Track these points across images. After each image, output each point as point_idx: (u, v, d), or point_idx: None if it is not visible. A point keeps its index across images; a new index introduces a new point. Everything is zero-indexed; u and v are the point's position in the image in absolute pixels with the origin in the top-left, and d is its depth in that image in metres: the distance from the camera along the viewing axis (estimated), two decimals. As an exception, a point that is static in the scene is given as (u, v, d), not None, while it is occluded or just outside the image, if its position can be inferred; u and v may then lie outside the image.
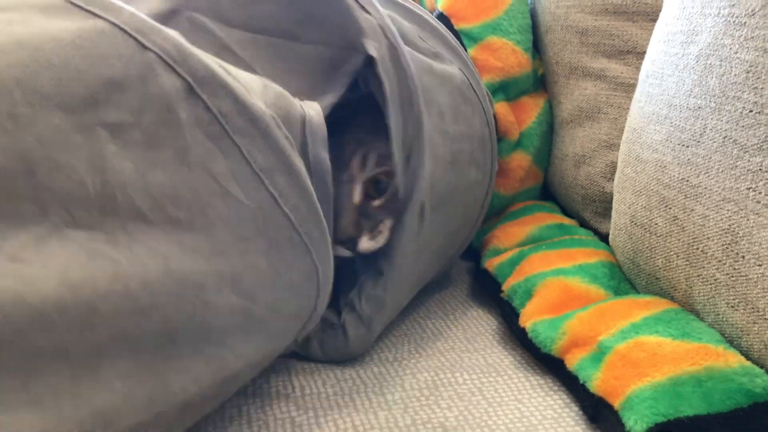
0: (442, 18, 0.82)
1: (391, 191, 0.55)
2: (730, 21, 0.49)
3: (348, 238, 0.53)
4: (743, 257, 0.47)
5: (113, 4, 0.37)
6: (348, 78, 0.50)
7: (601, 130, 0.78)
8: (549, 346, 0.55)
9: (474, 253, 0.79)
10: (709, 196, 0.50)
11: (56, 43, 0.33)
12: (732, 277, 0.48)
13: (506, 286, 0.64)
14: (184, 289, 0.35)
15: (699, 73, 0.52)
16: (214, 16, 0.49)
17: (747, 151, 0.47)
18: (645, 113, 0.60)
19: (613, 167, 0.75)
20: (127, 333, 0.32)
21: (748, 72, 0.47)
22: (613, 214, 0.66)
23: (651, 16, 0.74)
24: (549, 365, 0.55)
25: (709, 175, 0.50)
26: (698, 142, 0.52)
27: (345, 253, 0.54)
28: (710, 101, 0.51)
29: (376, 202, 0.55)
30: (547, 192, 0.88)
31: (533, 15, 0.88)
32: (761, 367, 0.46)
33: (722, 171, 0.49)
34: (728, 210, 0.48)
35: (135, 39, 0.36)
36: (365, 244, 0.54)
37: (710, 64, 0.51)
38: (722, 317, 0.50)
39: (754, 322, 0.47)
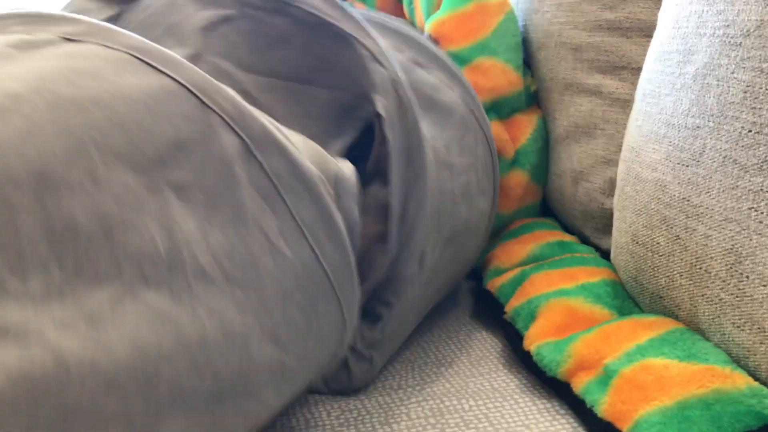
0: (430, 41, 0.83)
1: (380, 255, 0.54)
2: (725, 41, 0.49)
3: None
4: (747, 277, 0.47)
5: (174, 58, 0.38)
6: (360, 123, 0.52)
7: (598, 146, 0.78)
8: (554, 370, 0.54)
9: (475, 272, 0.79)
10: (711, 216, 0.50)
11: (127, 101, 0.34)
12: (737, 297, 0.48)
13: (509, 308, 0.64)
14: (234, 345, 0.36)
15: (696, 93, 0.52)
16: (233, 61, 0.51)
17: (747, 171, 0.47)
18: (643, 132, 0.60)
19: (611, 183, 0.75)
20: (183, 392, 0.33)
21: (745, 92, 0.47)
22: (614, 232, 0.66)
23: (645, 32, 0.74)
24: (555, 389, 0.55)
25: (710, 195, 0.50)
26: (698, 161, 0.52)
27: None
28: (709, 121, 0.51)
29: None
30: (547, 208, 0.88)
31: (525, 32, 0.88)
32: (769, 387, 0.45)
33: (723, 191, 0.49)
34: (731, 230, 0.48)
35: (197, 97, 0.37)
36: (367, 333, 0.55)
37: (707, 83, 0.51)
38: (728, 337, 0.49)
39: (761, 343, 0.46)
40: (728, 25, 0.49)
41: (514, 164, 0.83)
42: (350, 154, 0.52)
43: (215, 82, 0.39)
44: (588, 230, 0.78)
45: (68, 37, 0.37)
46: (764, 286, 0.46)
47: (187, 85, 0.37)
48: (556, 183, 0.84)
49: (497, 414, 0.52)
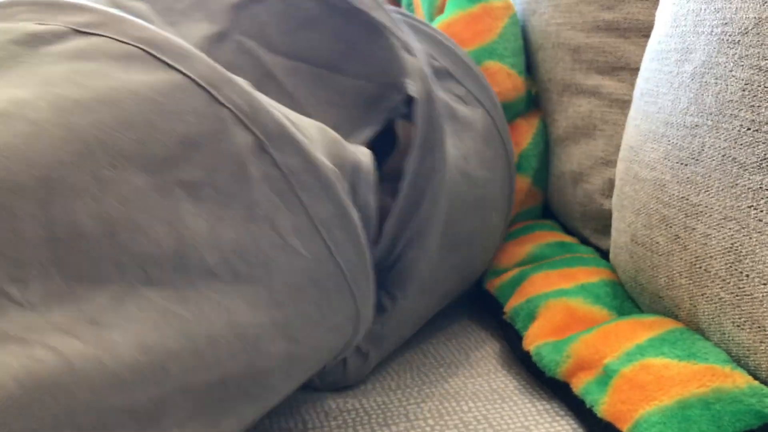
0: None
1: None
2: (723, 39, 0.49)
3: None
4: (747, 276, 0.47)
5: (186, 50, 0.37)
6: (386, 114, 0.51)
7: (597, 147, 0.78)
8: (554, 370, 0.54)
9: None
10: (711, 215, 0.50)
11: (135, 99, 0.33)
12: (737, 296, 0.48)
13: (508, 308, 0.64)
14: (244, 341, 0.36)
15: (695, 92, 0.52)
16: (261, 41, 0.50)
17: (746, 170, 0.47)
18: (641, 131, 0.60)
19: (610, 184, 0.75)
20: (190, 386, 0.33)
21: (744, 90, 0.47)
22: (613, 232, 0.66)
23: (643, 32, 0.74)
24: (554, 389, 0.55)
25: (709, 194, 0.50)
26: (697, 160, 0.51)
27: None
28: (707, 119, 0.50)
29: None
30: (547, 210, 0.88)
31: (523, 33, 0.88)
32: (770, 386, 0.45)
33: (722, 189, 0.49)
34: (730, 228, 0.48)
35: (209, 93, 0.36)
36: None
37: (706, 82, 0.51)
38: (728, 336, 0.49)
39: (761, 341, 0.46)
40: (726, 23, 0.49)
41: (517, 170, 0.82)
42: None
43: (228, 75, 0.38)
44: (587, 231, 0.78)
45: (79, 28, 0.36)
46: (764, 284, 0.45)
47: (198, 80, 0.36)
48: (555, 184, 0.84)
49: (497, 415, 0.52)
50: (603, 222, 0.76)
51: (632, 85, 0.72)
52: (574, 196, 0.79)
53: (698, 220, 0.51)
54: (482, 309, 0.71)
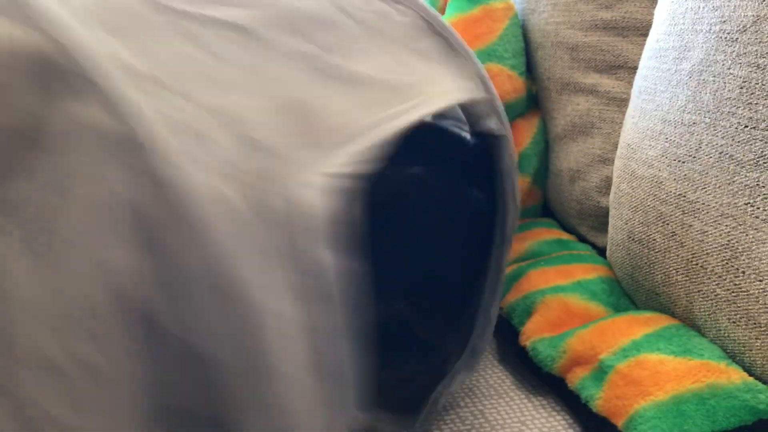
0: None
1: None
2: (721, 37, 0.49)
3: None
4: (743, 273, 0.47)
5: None
6: None
7: (594, 145, 0.78)
8: (550, 365, 0.54)
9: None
10: (707, 212, 0.50)
11: None
12: (733, 292, 0.48)
13: (505, 304, 0.64)
14: None
15: (692, 89, 0.52)
16: None
17: (744, 167, 0.47)
18: (639, 129, 0.60)
19: (607, 182, 0.75)
20: None
21: (741, 88, 0.47)
22: (610, 229, 0.66)
23: (641, 30, 0.74)
24: (550, 384, 0.55)
25: (706, 191, 0.50)
26: (694, 157, 0.52)
27: None
28: (705, 117, 0.51)
29: None
30: (546, 208, 0.88)
31: (522, 32, 0.88)
32: (764, 382, 0.45)
33: (719, 186, 0.49)
34: (727, 225, 0.48)
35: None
36: None
37: (703, 80, 0.51)
38: (724, 333, 0.49)
39: (756, 338, 0.46)
40: (724, 21, 0.49)
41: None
42: None
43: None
44: (584, 228, 0.79)
45: None
46: (760, 281, 0.46)
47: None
48: (553, 182, 0.84)
49: (493, 411, 0.52)
50: (600, 219, 0.76)
51: (630, 83, 0.73)
52: (572, 193, 0.80)
53: (695, 217, 0.51)
54: (479, 305, 0.71)
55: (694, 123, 0.52)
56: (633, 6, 0.75)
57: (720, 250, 0.49)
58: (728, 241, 0.48)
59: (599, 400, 0.49)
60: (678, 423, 0.44)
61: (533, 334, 0.58)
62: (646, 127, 0.59)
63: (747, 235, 0.47)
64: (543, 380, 0.55)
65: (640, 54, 0.66)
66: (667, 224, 0.55)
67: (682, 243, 0.53)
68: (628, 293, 0.62)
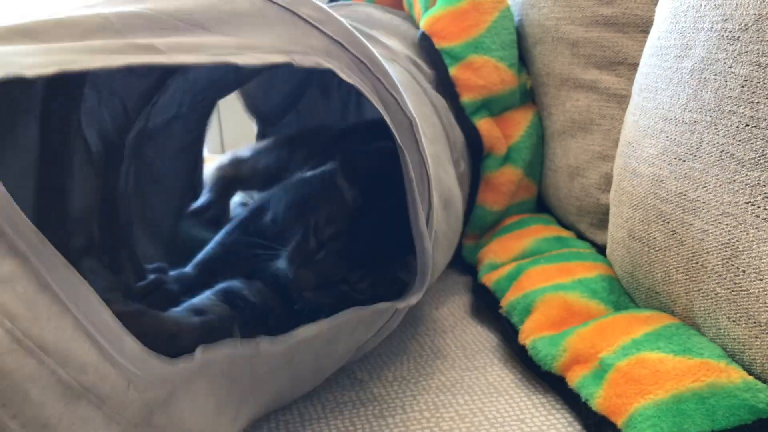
0: (424, 37, 0.83)
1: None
2: (723, 36, 0.49)
3: None
4: (744, 271, 0.47)
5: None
6: None
7: (594, 142, 0.78)
8: (549, 364, 0.54)
9: (471, 268, 0.78)
10: (708, 211, 0.50)
11: None
12: (733, 291, 0.48)
13: (504, 302, 0.64)
14: None
15: (693, 88, 0.52)
16: None
17: (744, 166, 0.47)
18: (640, 127, 0.60)
19: (607, 179, 0.75)
20: None
21: (743, 86, 0.47)
22: (610, 227, 0.66)
23: (642, 27, 0.74)
24: (550, 383, 0.55)
25: (706, 190, 0.50)
26: (695, 156, 0.51)
27: None
28: (706, 115, 0.50)
29: None
30: (542, 204, 0.88)
31: (520, 28, 0.88)
32: (764, 382, 0.45)
33: (720, 185, 0.49)
34: (727, 224, 0.48)
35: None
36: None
37: (705, 78, 0.51)
38: (723, 332, 0.49)
39: (756, 337, 0.46)
40: (726, 20, 0.49)
41: (506, 160, 0.82)
42: None
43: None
44: (583, 225, 0.78)
45: None
46: (760, 280, 0.46)
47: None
48: (551, 178, 0.84)
49: (492, 408, 0.52)
50: (599, 216, 0.76)
51: (630, 80, 0.72)
52: (571, 190, 0.80)
53: (695, 216, 0.51)
54: (479, 303, 0.71)
55: (695, 121, 0.52)
56: (634, 2, 0.75)
57: (720, 248, 0.49)
58: (728, 239, 0.48)
59: (599, 398, 0.49)
60: (677, 422, 0.44)
61: (533, 332, 0.58)
62: (646, 125, 0.59)
63: (747, 233, 0.47)
64: (543, 378, 0.55)
65: (641, 50, 0.65)
66: (668, 222, 0.55)
67: (682, 241, 0.53)
68: (628, 291, 0.62)
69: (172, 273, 0.61)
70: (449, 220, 0.65)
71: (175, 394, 0.37)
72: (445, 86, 0.80)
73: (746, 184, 0.47)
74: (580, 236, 0.78)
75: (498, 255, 0.73)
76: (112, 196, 0.62)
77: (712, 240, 0.50)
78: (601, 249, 0.72)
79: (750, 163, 0.46)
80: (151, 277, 0.59)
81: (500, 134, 0.81)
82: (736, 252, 0.48)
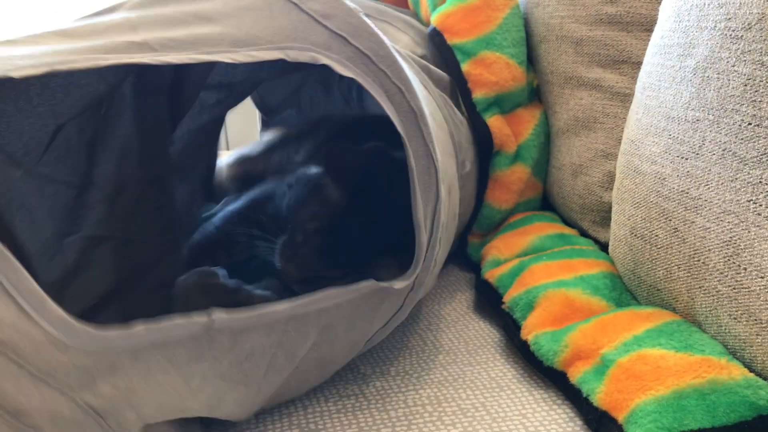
0: (436, 33, 0.82)
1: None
2: (726, 34, 0.49)
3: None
4: (745, 269, 0.47)
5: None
6: None
7: (597, 140, 0.78)
8: (551, 359, 0.55)
9: (474, 264, 0.79)
10: (710, 209, 0.50)
11: None
12: (734, 289, 0.48)
13: (507, 298, 0.64)
14: None
15: (696, 86, 0.52)
16: None
17: (747, 164, 0.47)
18: (643, 125, 0.60)
19: (610, 177, 0.75)
20: None
21: (746, 85, 0.47)
22: (613, 225, 0.66)
23: (645, 26, 0.74)
24: (551, 378, 0.55)
25: (709, 188, 0.51)
26: (697, 154, 0.52)
27: None
28: (708, 114, 0.51)
29: None
30: (547, 202, 0.88)
31: (525, 26, 0.88)
32: (765, 379, 0.46)
33: (722, 183, 0.49)
34: (729, 222, 0.49)
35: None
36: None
37: (708, 76, 0.51)
38: (725, 329, 0.50)
39: (757, 334, 0.47)
40: (730, 19, 0.49)
41: (516, 159, 0.82)
42: None
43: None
44: (586, 223, 0.79)
45: None
46: (762, 277, 0.46)
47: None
48: (555, 176, 0.84)
49: (494, 403, 0.53)
50: (601, 214, 0.76)
51: (633, 78, 0.73)
52: (574, 188, 0.80)
53: (697, 214, 0.52)
54: (481, 298, 0.71)
55: (697, 120, 0.52)
56: (638, 1, 0.75)
57: (722, 246, 0.49)
58: (730, 237, 0.48)
59: (600, 393, 0.49)
60: (678, 417, 0.44)
61: (535, 328, 0.58)
62: (649, 123, 0.59)
63: (749, 232, 0.47)
64: (544, 374, 0.56)
65: (644, 49, 0.66)
66: (670, 220, 0.55)
67: (684, 239, 0.53)
68: (629, 288, 0.63)
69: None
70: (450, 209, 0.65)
71: (119, 365, 0.38)
72: (458, 82, 0.80)
73: (748, 183, 0.47)
74: (583, 234, 0.78)
75: (501, 251, 0.73)
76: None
77: (714, 238, 0.50)
78: (603, 246, 0.72)
79: (752, 162, 0.47)
80: None
81: (510, 132, 0.81)
82: (737, 250, 0.48)
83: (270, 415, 0.51)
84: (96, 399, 0.38)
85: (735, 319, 0.48)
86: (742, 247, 0.47)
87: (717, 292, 0.50)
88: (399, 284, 0.50)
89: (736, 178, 0.48)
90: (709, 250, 0.50)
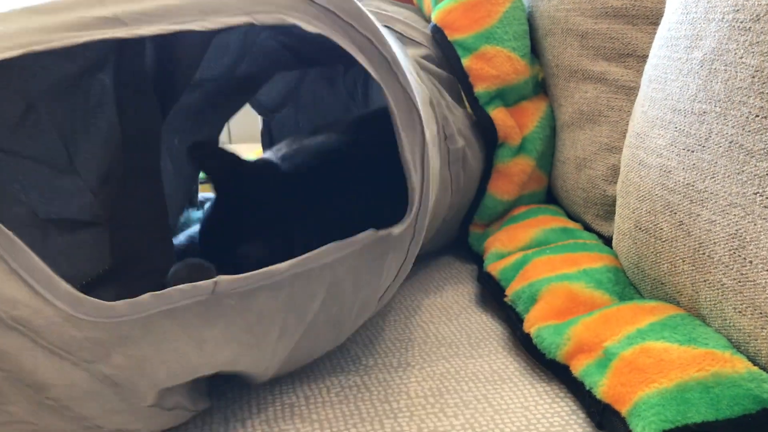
0: (436, 30, 0.83)
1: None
2: (734, 26, 0.49)
3: None
4: (751, 262, 0.47)
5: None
6: None
7: (602, 133, 0.78)
8: (554, 352, 0.54)
9: (477, 256, 0.79)
10: (716, 201, 0.50)
11: None
12: (739, 282, 0.48)
13: (510, 291, 0.64)
14: None
15: (703, 78, 0.52)
16: None
17: (753, 156, 0.47)
18: (648, 118, 0.60)
19: (614, 170, 0.75)
20: None
21: (753, 77, 0.47)
22: (617, 218, 0.66)
23: (651, 19, 0.74)
24: (554, 371, 0.55)
25: (715, 180, 0.50)
26: (703, 147, 0.51)
27: None
28: (715, 106, 0.50)
29: None
30: (551, 195, 0.88)
31: (530, 19, 0.87)
32: (769, 372, 0.46)
33: (728, 176, 0.49)
34: (735, 215, 0.48)
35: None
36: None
37: (715, 69, 0.51)
38: (729, 322, 0.49)
39: (761, 328, 0.46)
40: (738, 10, 0.49)
41: (520, 151, 0.82)
42: None
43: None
44: (589, 217, 0.78)
45: None
46: (767, 270, 0.46)
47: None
48: (559, 169, 0.84)
49: (496, 396, 0.53)
50: (605, 208, 0.76)
51: (639, 72, 0.72)
52: (578, 181, 0.80)
53: (703, 207, 0.51)
54: (484, 291, 0.71)
55: (704, 112, 0.52)
56: (644, -6, 0.74)
57: (727, 239, 0.49)
58: (736, 230, 0.48)
59: (603, 386, 0.49)
60: (682, 410, 0.44)
61: (538, 321, 0.58)
62: (655, 116, 0.59)
63: (755, 224, 0.47)
64: (547, 367, 0.56)
65: (650, 42, 0.65)
66: (675, 213, 0.55)
67: (689, 232, 0.53)
68: (633, 282, 0.63)
69: None
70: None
71: (131, 336, 0.39)
72: (459, 77, 0.81)
73: (755, 175, 0.47)
74: (587, 227, 0.78)
75: (505, 244, 0.73)
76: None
77: (720, 231, 0.50)
78: (607, 240, 0.72)
79: (759, 154, 0.46)
80: None
81: (514, 124, 0.82)
82: (743, 243, 0.48)
83: (272, 404, 0.51)
84: (110, 369, 0.39)
85: (740, 312, 0.48)
86: (748, 239, 0.47)
87: (722, 285, 0.50)
88: (397, 229, 0.51)
89: (743, 171, 0.48)
90: (715, 243, 0.50)
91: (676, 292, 0.56)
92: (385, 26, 0.73)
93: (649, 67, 0.63)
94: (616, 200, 0.67)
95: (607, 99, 0.78)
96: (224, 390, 0.53)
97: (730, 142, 0.49)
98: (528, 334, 0.58)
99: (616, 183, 0.72)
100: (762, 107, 0.46)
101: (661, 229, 0.56)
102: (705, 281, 0.51)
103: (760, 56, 0.47)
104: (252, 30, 0.72)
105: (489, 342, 0.62)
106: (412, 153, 0.50)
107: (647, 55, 0.65)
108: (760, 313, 0.46)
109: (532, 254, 0.67)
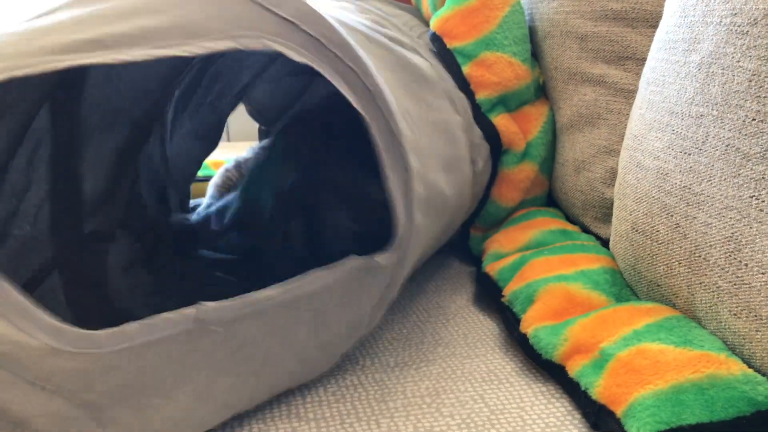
0: (435, 38, 0.82)
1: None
2: (732, 30, 0.49)
3: None
4: (746, 265, 0.47)
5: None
6: None
7: (600, 136, 0.78)
8: (550, 353, 0.55)
9: (475, 258, 0.79)
10: (712, 204, 0.50)
11: None
12: (735, 285, 0.48)
13: (507, 291, 0.64)
14: None
15: (701, 81, 0.52)
16: None
17: (750, 160, 0.47)
18: (646, 120, 0.60)
19: (612, 173, 0.75)
20: None
21: (750, 81, 0.47)
22: (614, 220, 0.66)
23: (650, 22, 0.74)
24: (550, 372, 0.55)
25: (711, 183, 0.50)
26: (700, 150, 0.52)
27: None
28: (712, 109, 0.51)
29: None
30: (551, 198, 0.88)
31: (530, 21, 0.88)
32: (764, 375, 0.46)
33: (725, 179, 0.49)
34: (731, 218, 0.49)
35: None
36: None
37: (712, 72, 0.51)
38: (724, 325, 0.50)
39: (756, 330, 0.47)
40: (735, 14, 0.49)
41: (525, 157, 0.82)
42: None
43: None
44: (588, 219, 0.79)
45: None
46: (763, 273, 0.46)
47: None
48: (558, 172, 0.84)
49: (493, 396, 0.53)
50: (604, 210, 0.76)
51: (638, 75, 0.73)
52: (576, 184, 0.80)
53: (699, 209, 0.52)
54: (481, 291, 0.72)
55: (701, 115, 0.52)
56: (643, -3, 0.75)
57: (723, 242, 0.49)
58: (732, 233, 0.48)
59: (599, 387, 0.49)
60: (676, 412, 0.44)
61: (534, 321, 0.58)
62: (653, 118, 0.59)
63: (751, 227, 0.47)
64: (543, 367, 0.56)
65: (649, 45, 0.66)
66: (671, 216, 0.55)
67: (685, 235, 0.53)
68: (630, 284, 0.63)
69: None
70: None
71: (117, 365, 0.39)
72: (460, 85, 0.80)
73: (751, 179, 0.47)
74: (585, 230, 0.78)
75: (503, 245, 0.73)
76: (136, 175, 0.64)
77: (716, 233, 0.50)
78: (605, 242, 0.72)
79: (756, 158, 0.47)
80: None
81: (518, 130, 0.81)
82: (739, 245, 0.48)
83: (269, 404, 0.52)
84: (91, 395, 0.39)
85: (735, 315, 0.48)
86: (744, 243, 0.47)
87: (717, 288, 0.50)
88: (381, 257, 0.51)
89: (739, 174, 0.48)
90: (711, 246, 0.50)
91: (672, 294, 0.56)
92: (390, 38, 0.73)
93: (647, 70, 0.63)
94: (614, 202, 0.67)
95: (605, 102, 0.78)
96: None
97: (727, 146, 0.49)
98: (525, 335, 0.58)
99: (614, 186, 0.72)
100: (759, 111, 0.47)
101: (658, 231, 0.57)
102: (701, 284, 0.52)
103: (757, 60, 0.47)
104: None
105: (486, 342, 0.62)
106: (396, 182, 0.50)
107: (646, 58, 0.65)
108: (755, 316, 0.47)
109: (530, 255, 0.68)
